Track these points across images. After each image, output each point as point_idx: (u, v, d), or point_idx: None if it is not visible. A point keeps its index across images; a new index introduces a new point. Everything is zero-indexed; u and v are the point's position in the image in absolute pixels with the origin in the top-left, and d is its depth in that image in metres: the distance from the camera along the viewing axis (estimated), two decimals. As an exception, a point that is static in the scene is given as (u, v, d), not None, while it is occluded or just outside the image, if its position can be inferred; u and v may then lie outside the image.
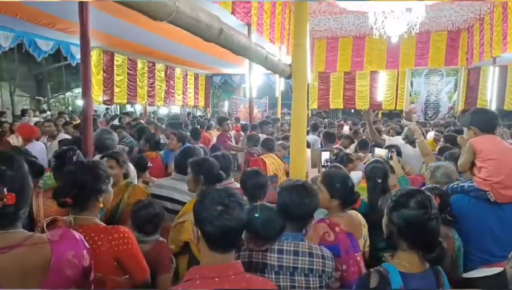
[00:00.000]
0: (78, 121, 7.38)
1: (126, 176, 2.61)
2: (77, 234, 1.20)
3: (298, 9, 2.92)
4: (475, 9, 10.49)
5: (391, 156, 3.15)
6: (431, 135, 6.08)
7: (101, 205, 1.58)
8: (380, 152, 3.35)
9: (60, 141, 4.45)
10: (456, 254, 2.14)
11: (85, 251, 1.18)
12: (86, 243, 1.22)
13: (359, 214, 2.18)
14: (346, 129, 8.57)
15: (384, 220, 1.45)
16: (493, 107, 11.32)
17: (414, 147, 4.25)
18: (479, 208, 2.20)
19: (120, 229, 1.56)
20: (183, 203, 2.46)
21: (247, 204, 1.28)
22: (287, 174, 3.74)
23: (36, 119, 9.54)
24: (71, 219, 1.53)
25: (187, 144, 4.24)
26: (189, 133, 5.26)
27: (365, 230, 2.12)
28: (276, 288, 1.36)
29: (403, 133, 4.42)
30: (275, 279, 1.59)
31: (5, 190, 1.06)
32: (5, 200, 1.06)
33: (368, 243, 2.16)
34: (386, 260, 1.55)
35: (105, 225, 1.59)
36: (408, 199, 1.36)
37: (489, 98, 11.60)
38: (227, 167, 2.83)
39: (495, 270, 2.21)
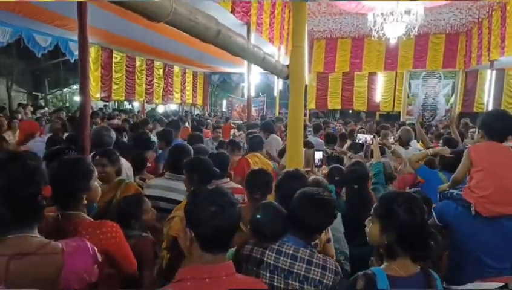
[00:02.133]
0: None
1: (118, 173, 2.60)
2: (90, 247, 1.19)
3: (296, 11, 2.93)
4: (474, 12, 10.52)
5: (372, 141, 3.24)
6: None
7: (85, 202, 1.56)
8: (363, 136, 3.45)
9: (49, 138, 3.95)
10: None
11: (95, 266, 1.17)
12: (99, 257, 1.21)
13: None
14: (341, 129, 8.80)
15: (374, 229, 1.43)
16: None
17: (407, 148, 4.44)
18: (466, 217, 2.00)
19: (108, 223, 1.56)
20: (178, 202, 2.44)
21: (239, 204, 1.27)
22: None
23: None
24: (57, 215, 1.53)
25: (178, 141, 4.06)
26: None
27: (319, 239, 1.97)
28: (267, 288, 1.36)
29: (397, 135, 4.53)
30: (269, 277, 1.59)
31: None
32: (42, 193, 1.03)
33: (332, 253, 2.05)
34: (372, 264, 1.57)
35: (91, 219, 1.59)
36: (400, 205, 1.37)
37: (486, 101, 11.66)
38: (224, 166, 2.84)
39: (495, 285, 1.97)
